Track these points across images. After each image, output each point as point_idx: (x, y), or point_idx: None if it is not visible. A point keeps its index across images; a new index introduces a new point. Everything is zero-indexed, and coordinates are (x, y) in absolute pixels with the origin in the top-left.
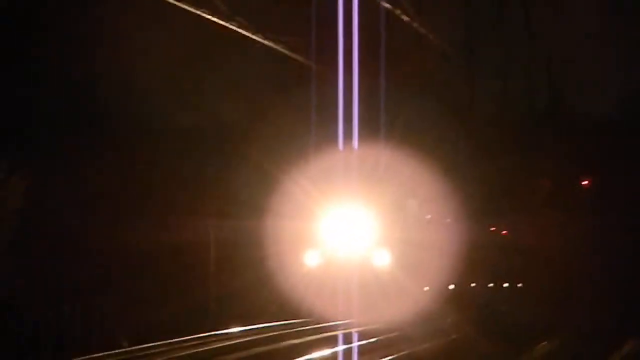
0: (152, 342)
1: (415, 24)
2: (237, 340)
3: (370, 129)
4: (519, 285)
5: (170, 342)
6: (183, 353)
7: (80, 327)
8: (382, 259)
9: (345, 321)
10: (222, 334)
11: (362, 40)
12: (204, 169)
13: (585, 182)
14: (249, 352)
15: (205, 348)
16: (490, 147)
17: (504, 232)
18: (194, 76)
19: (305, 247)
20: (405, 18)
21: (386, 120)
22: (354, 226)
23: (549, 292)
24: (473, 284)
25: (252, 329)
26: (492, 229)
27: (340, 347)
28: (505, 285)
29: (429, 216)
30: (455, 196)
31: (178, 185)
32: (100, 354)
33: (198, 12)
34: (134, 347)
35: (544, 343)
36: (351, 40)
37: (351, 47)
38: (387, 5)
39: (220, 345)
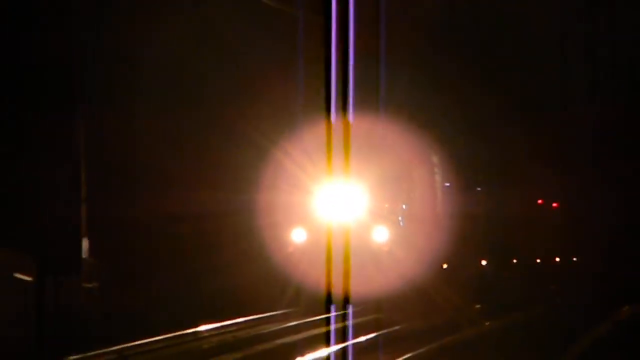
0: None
1: None
2: (204, 345)
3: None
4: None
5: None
6: None
7: None
8: (382, 237)
9: (340, 312)
10: (189, 333)
11: None
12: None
13: None
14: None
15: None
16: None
17: (555, 204)
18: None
19: (295, 223)
20: None
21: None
22: (349, 201)
23: (604, 269)
24: (514, 260)
25: (226, 325)
26: (540, 201)
27: (333, 348)
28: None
29: (447, 184)
30: (486, 160)
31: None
32: None
33: None
34: None
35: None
36: None
37: None
38: None
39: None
